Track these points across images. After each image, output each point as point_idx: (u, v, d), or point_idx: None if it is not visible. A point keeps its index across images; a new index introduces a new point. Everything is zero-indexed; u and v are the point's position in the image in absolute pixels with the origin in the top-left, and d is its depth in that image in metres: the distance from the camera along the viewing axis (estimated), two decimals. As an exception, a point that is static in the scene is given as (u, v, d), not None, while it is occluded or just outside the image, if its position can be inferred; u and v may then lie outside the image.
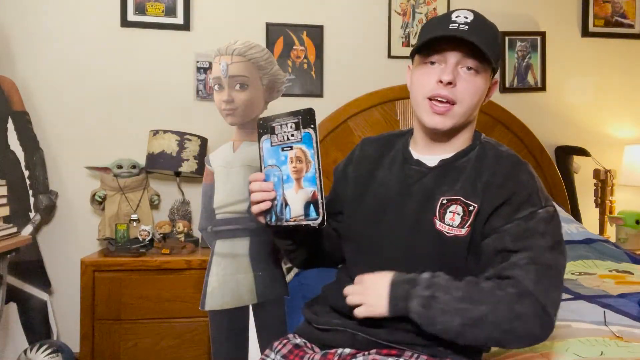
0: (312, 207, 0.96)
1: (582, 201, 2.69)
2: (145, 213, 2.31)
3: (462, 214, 0.97)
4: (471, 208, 0.97)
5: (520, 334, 0.89)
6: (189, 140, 2.22)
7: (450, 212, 0.98)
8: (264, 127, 1.01)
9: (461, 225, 0.97)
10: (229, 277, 1.49)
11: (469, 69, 0.99)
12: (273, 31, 2.52)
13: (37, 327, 2.20)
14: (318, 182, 0.95)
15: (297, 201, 0.98)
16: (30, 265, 2.25)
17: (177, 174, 2.29)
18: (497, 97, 2.67)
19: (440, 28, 0.98)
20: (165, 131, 2.21)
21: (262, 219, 1.03)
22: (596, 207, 2.64)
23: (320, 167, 0.95)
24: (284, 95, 1.67)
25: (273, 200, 0.99)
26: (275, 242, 1.18)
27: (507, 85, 2.71)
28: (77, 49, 2.39)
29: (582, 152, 2.66)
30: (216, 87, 1.51)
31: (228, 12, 2.50)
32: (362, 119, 2.48)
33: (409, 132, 1.14)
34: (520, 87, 2.73)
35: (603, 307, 1.36)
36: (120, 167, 2.29)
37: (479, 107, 1.05)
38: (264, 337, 1.49)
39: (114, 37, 2.42)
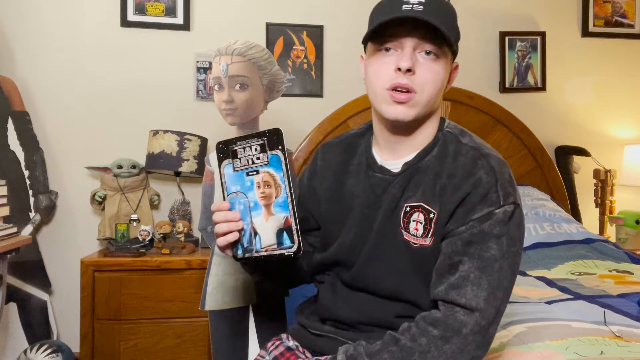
0: (285, 234, 0.89)
1: (582, 201, 2.69)
2: (145, 213, 2.31)
3: (424, 222, 0.92)
4: (431, 216, 0.92)
5: None
6: (189, 140, 2.21)
7: (413, 221, 0.93)
8: (224, 152, 0.92)
9: (425, 235, 0.92)
10: (229, 277, 1.49)
11: (428, 53, 0.91)
12: (273, 31, 2.52)
13: (37, 327, 2.20)
14: (291, 207, 0.89)
15: (267, 229, 0.90)
16: (30, 265, 2.25)
17: (177, 174, 2.29)
18: (497, 97, 2.67)
19: (392, 10, 0.90)
20: (165, 131, 2.21)
21: (228, 252, 0.95)
22: (596, 207, 2.64)
23: (292, 190, 0.89)
24: (284, 95, 1.67)
25: (240, 230, 0.92)
26: (247, 273, 1.12)
27: (507, 85, 2.71)
28: (77, 49, 2.40)
29: (582, 152, 2.66)
30: (216, 87, 1.51)
31: (228, 12, 2.50)
32: (362, 119, 2.47)
33: (370, 130, 1.07)
34: (520, 87, 2.73)
35: (603, 307, 1.36)
36: (120, 167, 2.29)
37: (442, 96, 0.97)
38: (264, 337, 1.49)
39: (114, 37, 2.42)
